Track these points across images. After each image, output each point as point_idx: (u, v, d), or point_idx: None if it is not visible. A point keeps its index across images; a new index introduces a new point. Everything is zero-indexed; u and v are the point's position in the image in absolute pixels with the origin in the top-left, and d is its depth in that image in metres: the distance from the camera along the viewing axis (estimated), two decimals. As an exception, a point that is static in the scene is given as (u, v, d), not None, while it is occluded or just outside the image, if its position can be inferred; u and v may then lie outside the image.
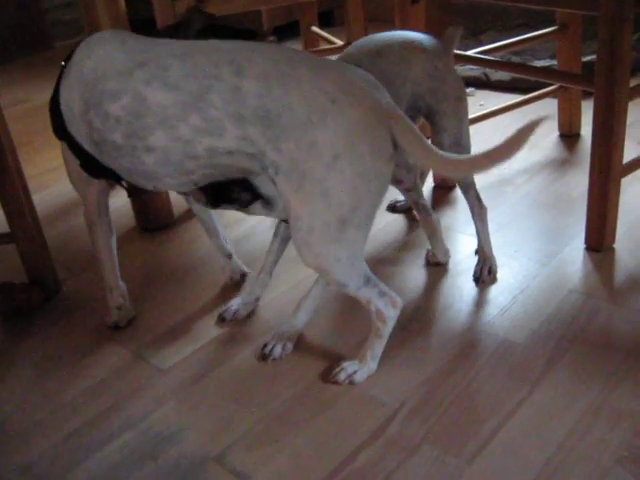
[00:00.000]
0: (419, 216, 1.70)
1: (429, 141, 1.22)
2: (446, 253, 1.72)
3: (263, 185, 1.33)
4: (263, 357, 1.46)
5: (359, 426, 1.27)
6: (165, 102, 1.21)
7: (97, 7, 1.79)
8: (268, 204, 1.36)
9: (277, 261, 1.59)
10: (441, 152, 1.19)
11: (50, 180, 2.38)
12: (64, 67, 1.38)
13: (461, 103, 1.55)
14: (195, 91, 1.19)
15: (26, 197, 1.67)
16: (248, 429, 1.29)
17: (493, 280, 1.64)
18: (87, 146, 1.37)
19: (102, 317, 1.62)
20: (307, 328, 1.51)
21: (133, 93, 1.23)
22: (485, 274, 1.64)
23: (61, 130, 1.40)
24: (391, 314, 1.33)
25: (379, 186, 1.22)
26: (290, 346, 1.47)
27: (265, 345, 1.47)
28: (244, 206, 1.39)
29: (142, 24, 2.55)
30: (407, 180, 1.63)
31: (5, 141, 1.60)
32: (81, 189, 1.51)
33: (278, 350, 1.45)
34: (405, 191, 1.67)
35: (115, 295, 1.59)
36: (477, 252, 1.69)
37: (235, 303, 1.61)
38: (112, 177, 1.42)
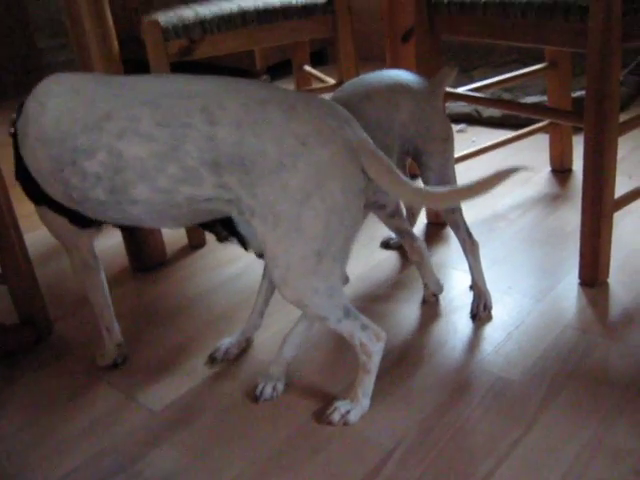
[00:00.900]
0: (405, 244, 1.68)
1: (418, 180, 1.23)
2: (438, 283, 1.70)
3: (240, 224, 1.33)
4: (255, 399, 1.44)
5: (354, 468, 1.25)
6: (142, 154, 1.20)
7: (90, 48, 1.81)
8: (244, 242, 1.36)
9: (268, 301, 1.58)
10: (411, 183, 1.21)
11: (43, 220, 2.38)
12: (16, 132, 1.36)
13: (448, 144, 1.56)
14: (170, 141, 1.19)
15: (18, 237, 1.67)
16: (240, 472, 1.27)
17: (489, 316, 1.63)
18: (68, 204, 1.36)
19: (96, 359, 1.61)
20: (298, 367, 1.50)
21: (108, 148, 1.22)
22: (481, 310, 1.64)
23: (37, 194, 1.39)
24: (375, 348, 1.32)
25: (352, 219, 1.23)
26: (281, 386, 1.45)
27: (256, 386, 1.46)
28: (220, 241, 1.41)
29: (135, 65, 2.58)
30: (389, 204, 1.60)
31: (-3, 182, 1.60)
32: (71, 241, 1.50)
33: (268, 391, 1.44)
34: (389, 217, 1.64)
35: (114, 334, 1.58)
36: (472, 288, 1.68)
37: (225, 343, 1.59)
38: (101, 223, 1.42)
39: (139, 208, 1.27)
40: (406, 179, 1.21)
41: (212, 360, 1.58)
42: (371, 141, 1.23)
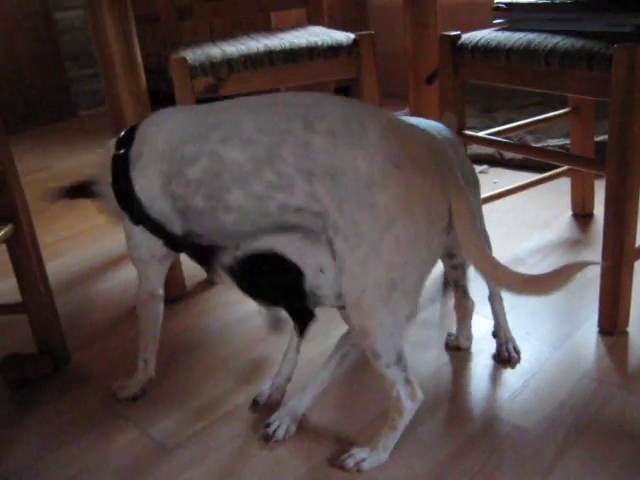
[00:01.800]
0: (455, 297, 1.67)
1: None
2: (469, 339, 1.69)
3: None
4: (265, 438, 1.43)
5: (365, 513, 1.24)
6: (240, 158, 1.24)
7: (118, 81, 1.84)
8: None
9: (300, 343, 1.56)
10: (485, 248, 1.21)
11: (65, 248, 2.41)
12: (125, 154, 1.41)
13: (478, 187, 1.57)
14: (268, 145, 1.22)
15: (39, 268, 1.69)
16: (251, 513, 1.27)
17: (519, 358, 1.63)
18: (172, 222, 1.39)
19: (115, 391, 1.61)
20: (313, 408, 1.50)
21: (210, 153, 1.27)
22: (512, 352, 1.63)
23: (139, 214, 1.41)
24: (409, 407, 1.31)
25: (431, 255, 1.24)
26: (293, 428, 1.44)
27: (268, 425, 1.45)
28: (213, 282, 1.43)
29: (162, 98, 2.62)
30: (459, 255, 1.58)
31: (21, 212, 1.62)
32: (150, 268, 1.49)
33: (281, 432, 1.43)
34: (453, 268, 1.62)
35: (149, 368, 1.59)
36: (495, 335, 1.67)
37: (268, 387, 1.56)
38: (190, 248, 1.43)
39: (232, 216, 1.29)
40: (482, 241, 1.21)
41: (255, 404, 1.55)
42: (464, 186, 1.22)
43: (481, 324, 1.77)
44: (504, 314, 1.66)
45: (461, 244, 1.22)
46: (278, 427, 1.43)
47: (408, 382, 1.30)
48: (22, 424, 1.57)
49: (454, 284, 1.66)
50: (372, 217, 1.17)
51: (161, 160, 1.35)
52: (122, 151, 1.41)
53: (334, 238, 1.21)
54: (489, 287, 1.64)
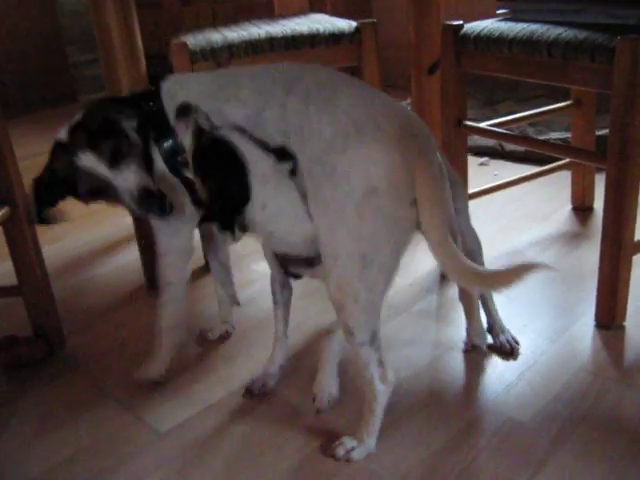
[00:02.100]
0: (459, 288, 1.64)
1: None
2: (481, 335, 1.60)
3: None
4: (317, 411, 1.46)
5: (356, 502, 1.24)
6: (238, 117, 1.29)
7: (119, 66, 1.83)
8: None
9: (287, 323, 1.57)
10: (446, 235, 1.16)
11: (63, 233, 2.40)
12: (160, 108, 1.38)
13: (463, 187, 1.58)
14: (257, 107, 1.27)
15: (36, 251, 1.68)
16: (243, 500, 1.27)
17: (517, 345, 1.62)
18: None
19: (138, 371, 1.59)
20: (307, 396, 1.49)
21: (216, 111, 1.31)
22: (513, 343, 1.62)
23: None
24: (381, 389, 1.30)
25: (400, 230, 1.21)
26: (335, 393, 1.48)
27: (314, 399, 1.47)
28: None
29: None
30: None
31: (18, 195, 1.61)
32: (178, 228, 1.46)
33: (325, 401, 1.47)
34: None
35: (178, 337, 1.59)
36: (490, 330, 1.65)
37: (260, 376, 1.57)
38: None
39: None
40: (444, 220, 1.17)
41: (249, 394, 1.55)
42: (437, 169, 1.18)
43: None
44: (496, 309, 1.65)
45: (422, 225, 1.18)
46: (322, 397, 1.47)
47: (381, 363, 1.29)
48: (16, 407, 1.56)
49: None
50: (333, 183, 1.17)
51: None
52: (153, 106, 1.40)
53: (308, 201, 1.24)
54: None
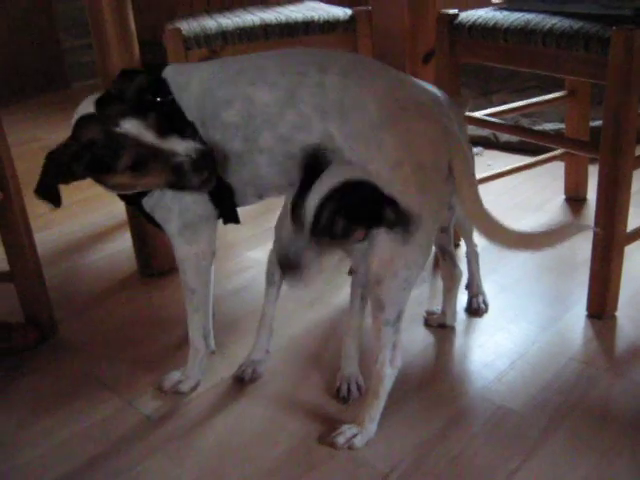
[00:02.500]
0: (442, 266, 1.68)
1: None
2: (454, 316, 1.70)
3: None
4: (343, 400, 1.46)
5: (347, 489, 1.25)
6: (267, 100, 1.27)
7: (111, 53, 1.82)
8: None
9: (274, 309, 1.57)
10: (482, 203, 1.24)
11: (56, 220, 2.39)
12: (173, 101, 1.32)
13: (473, 162, 1.57)
14: (289, 87, 1.25)
15: (28, 237, 1.67)
16: (235, 486, 1.27)
17: (486, 309, 1.74)
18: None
19: (176, 386, 1.53)
20: (301, 385, 1.50)
21: (242, 96, 1.28)
22: (481, 304, 1.74)
23: None
24: (389, 372, 1.31)
25: (437, 203, 1.25)
26: (361, 381, 1.48)
27: (339, 389, 1.47)
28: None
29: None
30: (446, 217, 1.60)
31: (11, 181, 1.61)
32: (200, 228, 1.41)
33: (354, 390, 1.47)
34: (439, 230, 1.60)
35: (210, 343, 1.58)
36: (468, 287, 1.77)
37: (247, 363, 1.57)
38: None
39: (264, 159, 1.31)
40: (480, 198, 1.24)
41: (240, 381, 1.55)
42: (463, 140, 1.25)
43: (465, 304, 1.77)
44: (478, 269, 1.76)
45: (459, 197, 1.25)
46: (349, 385, 1.47)
47: (395, 347, 1.30)
48: (7, 393, 1.56)
49: (441, 251, 1.66)
50: (380, 158, 1.19)
51: (196, 107, 1.32)
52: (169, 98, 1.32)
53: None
54: (466, 243, 1.74)
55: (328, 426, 1.39)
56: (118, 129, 1.20)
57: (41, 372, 1.62)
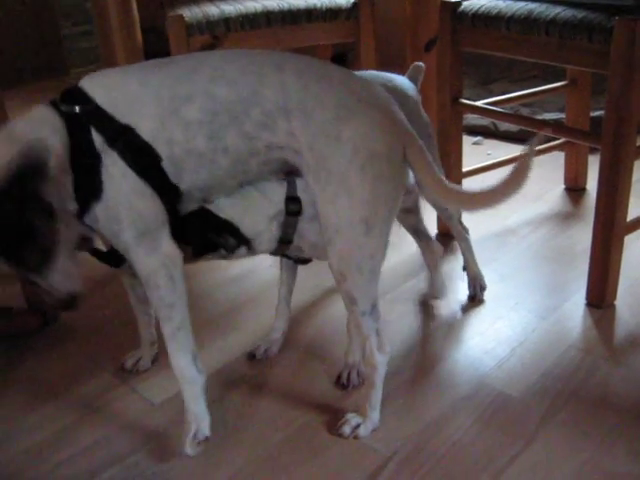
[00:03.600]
0: (419, 243, 1.72)
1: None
2: (442, 289, 1.75)
3: (244, 226, 1.33)
4: (343, 387, 1.47)
5: (349, 473, 1.26)
6: (231, 97, 1.23)
7: (114, 39, 1.82)
8: (250, 247, 1.35)
9: (291, 291, 1.59)
10: (446, 181, 1.25)
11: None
12: (96, 108, 1.22)
13: (432, 140, 1.62)
14: (251, 85, 1.23)
15: (30, 222, 1.67)
16: (237, 470, 1.28)
17: (482, 294, 1.76)
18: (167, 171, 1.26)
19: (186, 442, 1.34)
20: (300, 370, 1.51)
21: (203, 92, 1.23)
22: (478, 291, 1.75)
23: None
24: (379, 359, 1.32)
25: (395, 192, 1.26)
26: (355, 375, 1.48)
27: (339, 376, 1.48)
28: (231, 251, 1.35)
29: (157, 57, 2.58)
30: (406, 200, 1.60)
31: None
32: (160, 233, 1.27)
33: (354, 378, 1.47)
34: (404, 213, 1.66)
35: (199, 366, 1.35)
36: (464, 269, 1.78)
37: (264, 342, 1.59)
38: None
39: (229, 159, 1.26)
40: (442, 176, 1.25)
41: (252, 357, 1.58)
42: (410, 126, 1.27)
43: (466, 292, 1.78)
44: (471, 251, 1.77)
45: (420, 178, 1.28)
46: (350, 373, 1.48)
47: (379, 334, 1.31)
48: (10, 378, 1.57)
49: (413, 231, 1.71)
50: (338, 150, 1.20)
51: (143, 104, 1.23)
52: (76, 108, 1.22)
53: (307, 176, 1.25)
54: (453, 230, 1.76)
55: (332, 412, 1.40)
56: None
57: (43, 357, 1.63)
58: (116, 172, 1.20)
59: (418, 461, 1.27)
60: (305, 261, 1.48)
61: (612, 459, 1.26)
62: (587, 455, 1.27)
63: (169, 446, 1.34)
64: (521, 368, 1.50)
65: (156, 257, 1.26)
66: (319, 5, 1.96)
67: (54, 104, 1.23)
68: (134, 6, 1.83)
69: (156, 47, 2.30)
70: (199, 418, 1.31)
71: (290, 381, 1.50)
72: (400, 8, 2.34)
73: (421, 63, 1.68)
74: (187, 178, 1.26)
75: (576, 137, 1.96)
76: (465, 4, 1.84)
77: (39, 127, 1.19)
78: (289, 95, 1.22)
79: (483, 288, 1.77)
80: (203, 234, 1.32)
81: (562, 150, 2.31)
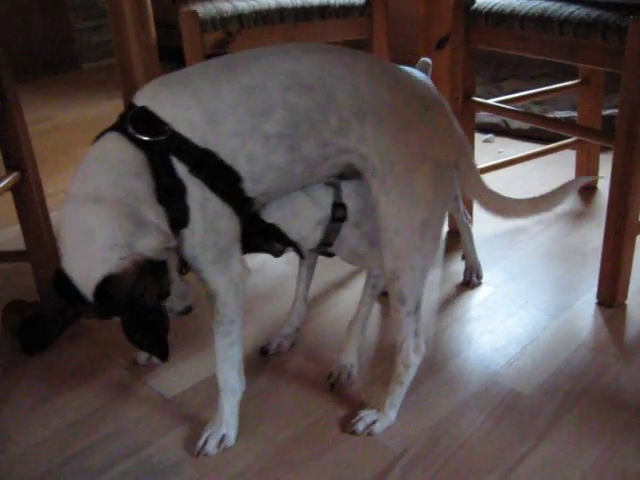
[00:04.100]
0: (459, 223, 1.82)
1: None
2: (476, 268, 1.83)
3: (291, 230, 1.32)
4: (331, 387, 1.47)
5: (360, 470, 1.27)
6: (309, 106, 1.18)
7: (127, 33, 1.83)
8: (295, 250, 1.35)
9: (308, 287, 1.60)
10: (490, 189, 1.35)
11: (68, 199, 2.40)
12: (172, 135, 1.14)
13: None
14: (327, 91, 1.20)
15: (44, 216, 1.69)
16: (248, 465, 1.29)
17: (479, 282, 1.80)
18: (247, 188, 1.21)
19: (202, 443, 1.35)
20: (312, 365, 1.51)
21: (281, 102, 1.16)
22: (474, 278, 1.80)
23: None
24: (414, 360, 1.33)
25: (450, 194, 1.33)
26: (355, 372, 1.49)
27: (330, 375, 1.48)
28: (276, 256, 1.36)
29: (171, 52, 2.60)
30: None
31: (27, 159, 1.62)
32: (235, 249, 1.27)
33: (344, 378, 1.48)
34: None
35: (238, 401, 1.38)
36: (463, 258, 1.84)
37: (276, 337, 1.60)
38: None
39: (302, 166, 1.22)
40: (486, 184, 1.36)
41: (264, 353, 1.59)
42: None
43: (481, 290, 1.79)
44: (471, 241, 1.82)
45: (468, 187, 1.36)
46: (340, 374, 1.48)
47: (417, 335, 1.33)
48: (23, 371, 1.58)
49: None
50: (407, 155, 1.22)
51: (220, 123, 1.15)
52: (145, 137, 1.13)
53: (371, 180, 1.25)
54: (460, 222, 1.81)
55: (344, 409, 1.41)
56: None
57: (56, 351, 1.64)
58: (200, 197, 1.16)
59: (429, 458, 1.28)
60: (330, 255, 1.48)
61: (623, 457, 1.26)
62: (598, 453, 1.27)
63: (181, 440, 1.35)
64: (532, 366, 1.51)
65: (227, 275, 1.26)
66: (332, 2, 1.96)
67: (124, 131, 1.13)
68: (148, 0, 1.83)
69: (167, 41, 2.31)
70: (229, 426, 1.34)
71: (302, 377, 1.51)
72: (413, 5, 2.34)
73: (428, 59, 1.69)
74: (261, 189, 1.22)
75: (588, 136, 1.96)
76: (479, 2, 1.84)
77: (123, 178, 1.11)
78: (363, 99, 1.21)
79: (479, 277, 1.82)
80: (249, 238, 1.29)
81: (573, 149, 2.30)
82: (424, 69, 1.68)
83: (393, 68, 1.31)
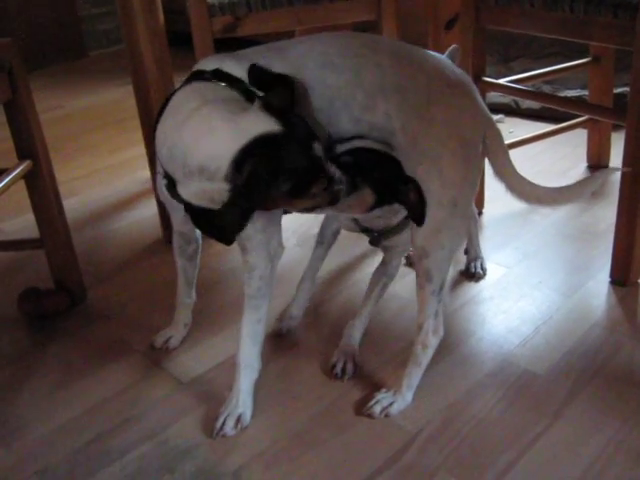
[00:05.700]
0: None
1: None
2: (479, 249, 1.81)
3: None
4: (335, 376, 1.46)
5: (376, 450, 1.28)
6: (338, 83, 1.23)
7: (136, 19, 1.82)
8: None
9: (318, 269, 1.63)
10: (518, 173, 1.36)
11: (81, 187, 2.42)
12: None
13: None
14: (353, 69, 1.24)
15: (57, 204, 1.69)
16: (265, 447, 1.30)
17: (485, 273, 1.78)
18: None
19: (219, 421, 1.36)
20: (325, 349, 1.52)
21: (317, 80, 1.22)
22: (479, 269, 1.78)
23: None
24: (432, 342, 1.35)
25: (478, 174, 1.34)
26: (356, 359, 1.48)
27: (334, 365, 1.47)
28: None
29: (178, 37, 2.59)
30: None
31: (39, 147, 1.62)
32: (274, 230, 1.30)
33: (350, 367, 1.47)
34: None
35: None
36: (466, 252, 1.82)
37: (285, 317, 1.62)
38: None
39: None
40: (515, 168, 1.36)
41: (277, 333, 1.61)
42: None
43: (493, 270, 1.79)
44: (477, 234, 1.80)
45: (495, 167, 1.35)
46: (345, 363, 1.47)
47: (437, 315, 1.34)
48: (39, 358, 1.60)
49: None
50: (431, 133, 1.23)
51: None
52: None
53: (399, 156, 1.25)
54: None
55: (358, 390, 1.42)
56: (314, 153, 1.10)
57: (72, 337, 1.65)
58: None
59: (444, 438, 1.29)
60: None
61: (637, 437, 1.27)
62: (612, 433, 1.28)
63: (198, 423, 1.37)
64: (545, 346, 1.51)
65: (268, 249, 1.29)
66: (340, -16, 1.95)
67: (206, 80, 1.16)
68: (156, -14, 1.82)
69: (174, 27, 2.30)
70: (246, 405, 1.36)
71: (316, 359, 1.52)
72: (422, -15, 2.32)
73: (456, 46, 1.66)
74: None
75: (600, 114, 1.95)
76: (488, -19, 1.83)
77: (258, 119, 1.08)
78: (385, 76, 1.24)
79: (484, 269, 1.79)
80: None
81: (585, 127, 2.29)
82: (454, 56, 1.66)
83: (416, 49, 1.32)
